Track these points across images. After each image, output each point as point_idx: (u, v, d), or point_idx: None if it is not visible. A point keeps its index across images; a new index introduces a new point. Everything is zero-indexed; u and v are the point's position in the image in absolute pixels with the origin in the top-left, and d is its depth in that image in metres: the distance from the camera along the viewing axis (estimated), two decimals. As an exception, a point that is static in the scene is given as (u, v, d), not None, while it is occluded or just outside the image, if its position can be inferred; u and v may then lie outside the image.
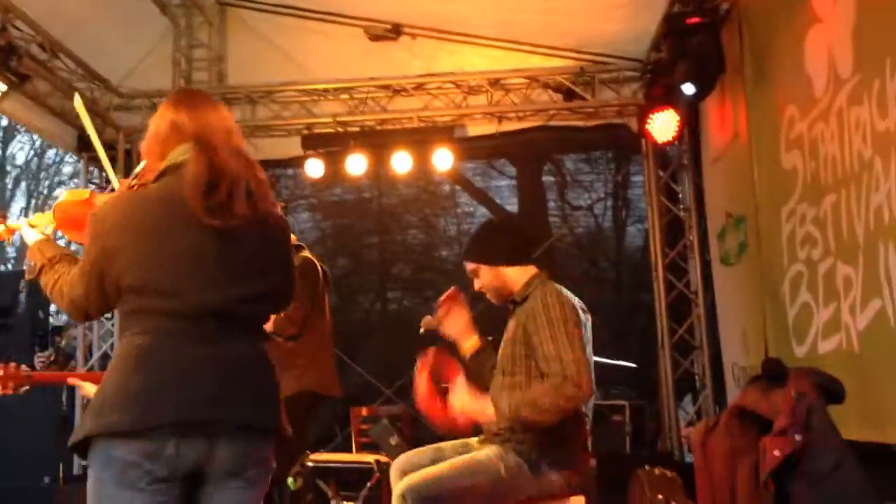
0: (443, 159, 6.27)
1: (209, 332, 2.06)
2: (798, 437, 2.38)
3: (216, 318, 2.07)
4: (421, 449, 3.25)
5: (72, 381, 2.70)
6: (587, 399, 2.94)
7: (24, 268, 2.76)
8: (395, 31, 6.42)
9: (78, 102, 3.07)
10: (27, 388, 2.92)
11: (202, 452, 2.01)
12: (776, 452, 2.38)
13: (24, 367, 2.88)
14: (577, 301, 3.19)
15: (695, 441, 3.02)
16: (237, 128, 2.27)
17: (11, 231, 2.83)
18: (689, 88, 4.93)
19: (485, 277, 3.22)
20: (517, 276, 3.21)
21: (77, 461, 5.41)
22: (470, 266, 3.26)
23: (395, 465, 3.18)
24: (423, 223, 8.44)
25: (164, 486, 1.99)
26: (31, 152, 18.22)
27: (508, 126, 6.58)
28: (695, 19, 4.87)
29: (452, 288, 3.40)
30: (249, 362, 2.11)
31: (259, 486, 2.15)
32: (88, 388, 2.40)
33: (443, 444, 3.23)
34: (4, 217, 2.72)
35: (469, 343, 3.30)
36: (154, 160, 2.24)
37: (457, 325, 3.32)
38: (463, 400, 2.97)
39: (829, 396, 2.50)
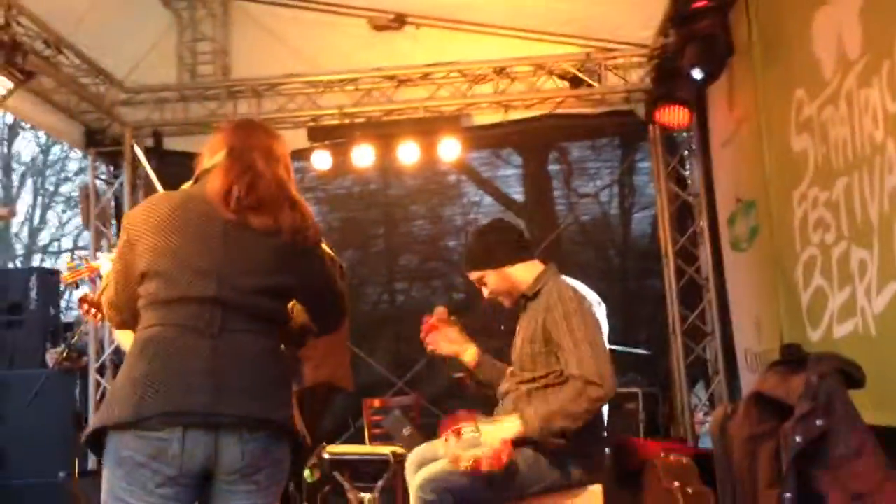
0: (449, 149, 6.25)
1: (213, 322, 2.06)
2: (819, 423, 2.36)
3: (221, 307, 2.07)
4: (437, 441, 3.25)
5: None
6: (612, 394, 2.94)
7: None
8: (399, 20, 6.40)
9: (139, 152, 3.19)
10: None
11: (209, 450, 2.00)
12: (798, 438, 2.35)
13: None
14: (591, 294, 3.18)
15: (713, 428, 3.00)
16: (286, 158, 2.31)
17: (93, 270, 2.93)
18: (697, 73, 4.89)
19: (492, 282, 3.23)
20: (523, 273, 3.21)
21: (91, 456, 5.45)
22: (474, 276, 3.27)
23: (411, 458, 3.18)
24: (429, 213, 8.40)
25: (175, 487, 1.99)
26: (37, 149, 18.19)
27: (515, 115, 6.57)
28: (702, 2, 4.83)
29: (434, 315, 3.38)
30: (255, 356, 2.10)
31: (272, 489, 2.13)
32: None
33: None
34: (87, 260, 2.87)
35: (469, 354, 3.33)
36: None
37: (448, 345, 3.33)
38: (492, 433, 2.90)
39: (850, 381, 2.48)
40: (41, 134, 17.12)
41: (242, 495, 2.07)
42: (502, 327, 3.65)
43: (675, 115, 5.53)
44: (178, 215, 2.13)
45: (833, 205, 3.76)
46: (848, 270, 3.63)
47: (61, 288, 6.98)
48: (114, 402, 2.02)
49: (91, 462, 5.31)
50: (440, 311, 3.45)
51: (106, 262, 2.66)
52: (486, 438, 2.88)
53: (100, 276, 2.90)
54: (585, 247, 9.20)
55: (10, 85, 4.86)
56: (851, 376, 2.51)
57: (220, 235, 2.12)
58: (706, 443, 5.28)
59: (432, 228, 8.38)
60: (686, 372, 6.07)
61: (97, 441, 2.05)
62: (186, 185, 2.34)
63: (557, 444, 2.92)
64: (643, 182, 7.80)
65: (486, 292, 3.28)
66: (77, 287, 5.21)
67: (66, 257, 18.33)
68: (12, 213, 3.93)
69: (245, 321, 2.10)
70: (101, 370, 6.12)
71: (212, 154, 2.27)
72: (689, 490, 4.00)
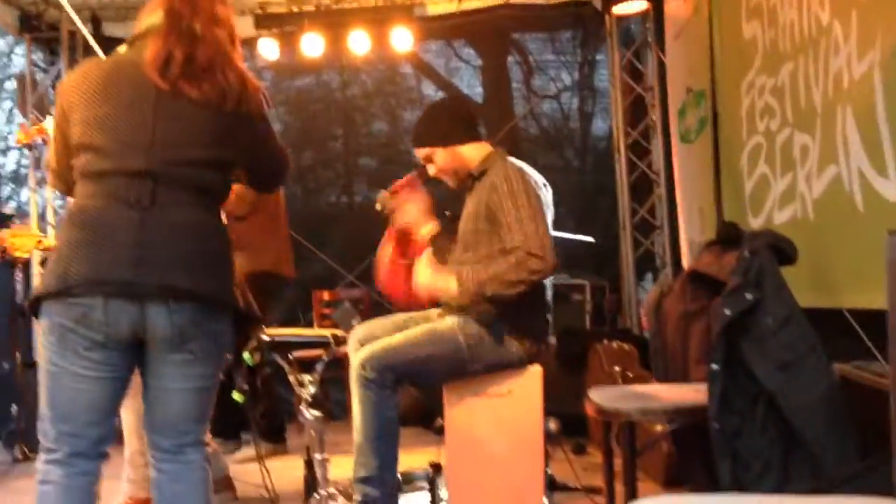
0: (402, 39, 6.09)
1: (142, 195, 2.02)
2: (749, 296, 2.38)
3: (152, 180, 2.03)
4: (380, 319, 3.26)
5: None
6: (552, 271, 2.91)
7: None
8: None
9: (85, 31, 3.09)
10: None
11: (134, 319, 2.00)
12: (727, 311, 2.38)
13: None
14: (537, 175, 3.16)
15: (649, 306, 3.04)
16: (230, 22, 2.20)
17: (42, 131, 2.89)
18: (652, -41, 4.78)
19: (441, 160, 3.17)
20: (473, 153, 3.17)
21: (35, 347, 5.42)
22: (423, 152, 3.20)
23: (354, 335, 3.19)
24: (386, 114, 8.31)
25: (105, 352, 2.02)
26: (-22, 45, 17.47)
27: (469, 4, 6.40)
28: None
29: (412, 174, 3.34)
30: (187, 229, 2.07)
31: (208, 361, 2.14)
32: None
33: (402, 315, 3.24)
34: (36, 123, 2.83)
35: (427, 229, 3.27)
36: None
37: (412, 212, 3.27)
38: (426, 275, 2.95)
39: (781, 256, 2.50)
40: (-17, 28, 16.40)
41: (177, 364, 2.09)
42: (447, 213, 3.63)
43: (632, 5, 5.43)
44: (110, 83, 2.08)
45: (779, 91, 3.74)
46: (791, 156, 3.63)
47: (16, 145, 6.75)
48: (46, 273, 2.06)
49: (36, 353, 5.28)
50: (384, 196, 3.41)
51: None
52: (418, 275, 2.88)
53: (46, 140, 2.87)
54: (545, 148, 9.20)
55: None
56: (783, 252, 2.54)
57: (152, 105, 2.06)
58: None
59: (390, 130, 8.30)
60: (635, 264, 6.15)
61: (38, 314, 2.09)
62: (122, 49, 2.25)
63: (485, 309, 2.93)
64: (604, 82, 7.74)
65: (432, 170, 3.23)
66: (30, 148, 5.15)
67: (14, 155, 17.87)
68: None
69: (179, 194, 2.06)
70: (43, 262, 6.03)
71: (149, 14, 2.17)
72: (630, 374, 4.09)
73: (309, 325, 5.78)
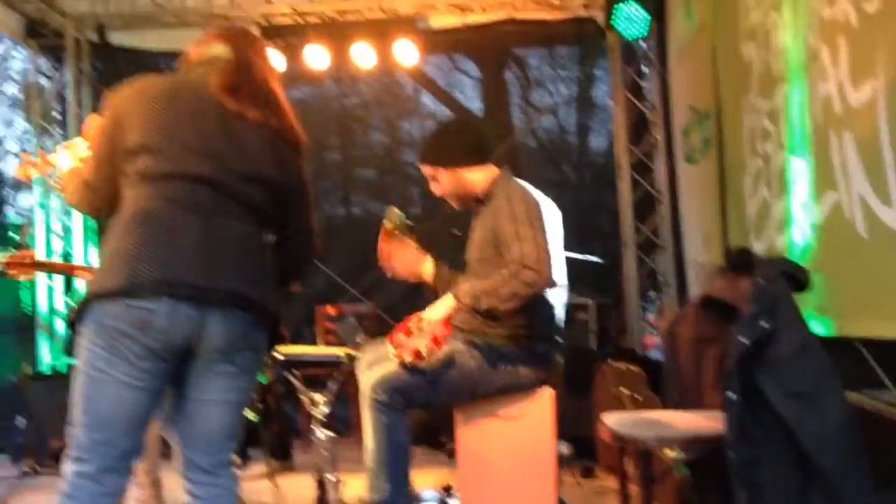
0: (405, 53, 6.12)
1: (202, 202, 2.03)
2: (764, 325, 2.40)
3: (211, 188, 2.05)
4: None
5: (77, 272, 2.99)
6: (547, 284, 2.88)
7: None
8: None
9: None
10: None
11: (195, 326, 1.97)
12: (743, 339, 2.40)
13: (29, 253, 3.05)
14: (545, 199, 3.14)
15: (662, 331, 3.06)
16: (276, 71, 2.36)
17: (48, 164, 2.87)
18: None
19: (445, 182, 3.15)
20: (478, 176, 3.14)
21: (44, 359, 5.37)
22: (428, 171, 3.17)
23: (363, 357, 3.18)
24: (385, 125, 8.30)
25: (155, 361, 1.97)
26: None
27: (472, 18, 6.42)
28: None
29: (383, 234, 3.29)
30: (244, 241, 2.09)
31: (248, 375, 2.14)
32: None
33: None
34: (43, 155, 2.80)
35: (426, 269, 3.25)
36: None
37: (406, 266, 3.24)
38: (430, 312, 2.92)
39: (795, 283, 2.52)
40: (-20, 33, 16.30)
41: (223, 376, 2.06)
42: (456, 231, 3.62)
43: (634, 23, 5.46)
44: (173, 95, 2.11)
45: (773, 114, 3.77)
46: (786, 181, 3.65)
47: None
48: (101, 273, 1.99)
49: (45, 365, 5.25)
50: (393, 212, 3.40)
51: (64, 157, 2.56)
52: (425, 325, 2.88)
53: (53, 172, 2.82)
54: (542, 161, 9.21)
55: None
56: (797, 278, 2.55)
57: (215, 118, 2.10)
58: (655, 355, 5.38)
59: (389, 141, 8.28)
60: (638, 284, 6.16)
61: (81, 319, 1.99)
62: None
63: (510, 345, 2.93)
64: (601, 97, 7.77)
65: (436, 189, 3.21)
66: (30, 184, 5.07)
67: (12, 160, 17.77)
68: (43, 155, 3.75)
69: (234, 207, 2.08)
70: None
71: (206, 45, 2.25)
72: (639, 397, 4.09)
73: (312, 340, 5.77)
